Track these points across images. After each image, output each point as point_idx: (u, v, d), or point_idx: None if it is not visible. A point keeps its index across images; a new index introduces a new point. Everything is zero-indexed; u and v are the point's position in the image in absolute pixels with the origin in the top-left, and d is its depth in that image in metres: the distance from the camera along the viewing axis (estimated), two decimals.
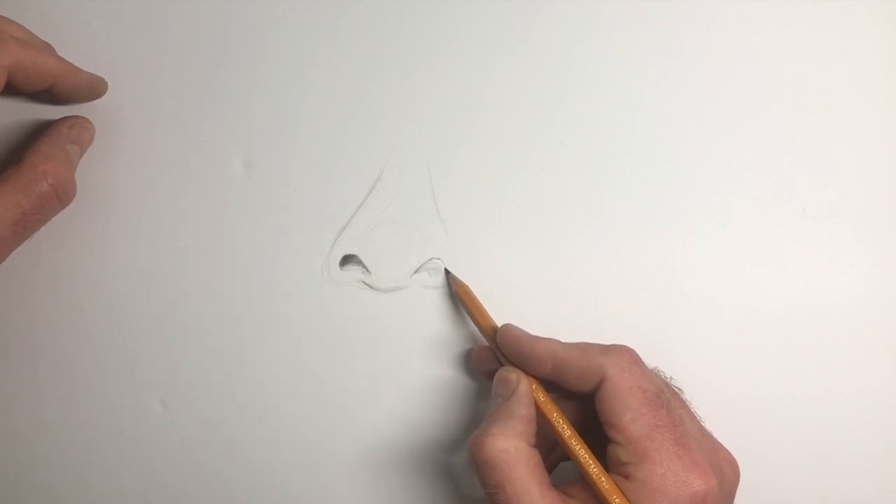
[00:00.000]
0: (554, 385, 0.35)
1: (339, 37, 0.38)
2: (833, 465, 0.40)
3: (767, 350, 0.40)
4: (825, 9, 0.39)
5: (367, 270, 0.39)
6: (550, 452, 0.35)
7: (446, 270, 0.39)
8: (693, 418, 0.34)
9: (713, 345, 0.39)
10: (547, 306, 0.39)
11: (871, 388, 0.40)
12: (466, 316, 0.39)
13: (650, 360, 0.35)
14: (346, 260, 0.39)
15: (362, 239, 0.39)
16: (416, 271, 0.39)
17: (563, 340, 0.35)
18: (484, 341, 0.38)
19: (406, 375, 0.39)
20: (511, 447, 0.32)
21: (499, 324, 0.37)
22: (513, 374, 0.35)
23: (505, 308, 0.37)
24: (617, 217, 0.39)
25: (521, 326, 0.36)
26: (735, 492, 0.34)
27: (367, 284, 0.39)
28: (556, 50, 0.39)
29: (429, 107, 0.39)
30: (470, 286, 0.38)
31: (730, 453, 0.35)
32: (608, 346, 0.34)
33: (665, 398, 0.33)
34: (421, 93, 0.39)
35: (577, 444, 0.33)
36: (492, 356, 0.37)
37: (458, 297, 0.38)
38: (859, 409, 0.40)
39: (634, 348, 0.34)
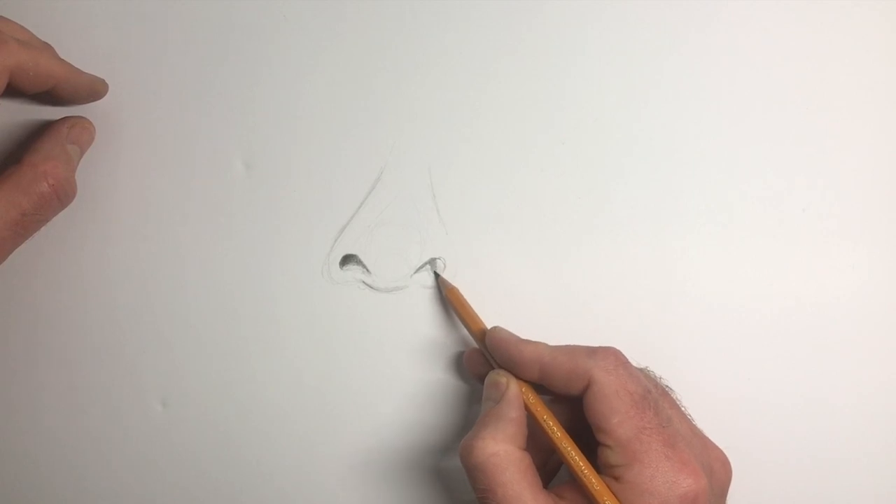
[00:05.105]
0: (544, 388, 0.35)
1: (339, 37, 0.38)
2: (833, 466, 0.40)
3: (767, 350, 0.39)
4: (825, 9, 0.39)
5: (367, 270, 0.39)
6: (550, 457, 0.35)
7: (436, 274, 0.39)
8: (683, 417, 0.34)
9: (713, 345, 0.39)
10: (546, 306, 0.39)
11: (871, 389, 0.40)
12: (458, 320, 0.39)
13: (650, 360, 0.35)
14: (346, 260, 0.39)
15: (362, 239, 0.39)
16: (416, 271, 0.39)
17: (554, 342, 0.35)
18: (476, 345, 0.38)
19: (406, 376, 0.39)
20: (501, 451, 0.32)
21: (492, 325, 0.37)
22: (502, 378, 0.34)
23: (504, 308, 0.37)
24: (617, 217, 0.39)
25: (520, 327, 0.36)
26: (727, 491, 0.34)
27: (367, 284, 0.39)
28: (556, 50, 0.39)
29: (429, 107, 0.39)
30: (466, 287, 0.38)
31: (721, 452, 0.34)
32: (594, 348, 0.34)
33: (652, 399, 0.32)
34: (421, 93, 0.39)
35: (567, 446, 0.33)
36: (483, 359, 0.37)
37: (448, 301, 0.38)
38: (860, 410, 0.40)
39: (631, 349, 0.34)
